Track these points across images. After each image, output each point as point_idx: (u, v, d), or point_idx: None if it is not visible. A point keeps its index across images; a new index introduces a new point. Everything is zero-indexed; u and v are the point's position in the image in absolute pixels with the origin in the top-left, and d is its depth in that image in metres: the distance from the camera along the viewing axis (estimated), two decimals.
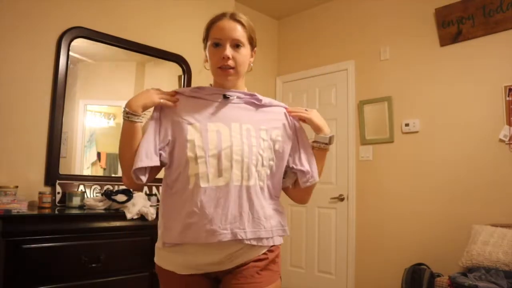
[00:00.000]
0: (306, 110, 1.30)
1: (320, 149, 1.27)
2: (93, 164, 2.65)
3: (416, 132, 3.17)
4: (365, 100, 3.50)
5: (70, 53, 2.46)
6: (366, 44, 3.54)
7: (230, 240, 1.11)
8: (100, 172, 2.67)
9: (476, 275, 2.28)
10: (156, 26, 2.93)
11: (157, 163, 1.15)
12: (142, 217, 2.13)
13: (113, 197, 2.18)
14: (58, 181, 2.33)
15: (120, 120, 2.77)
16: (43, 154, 2.33)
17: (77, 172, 2.52)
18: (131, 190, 2.32)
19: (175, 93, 1.22)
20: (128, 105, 1.16)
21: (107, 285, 1.98)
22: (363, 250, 3.40)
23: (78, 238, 1.92)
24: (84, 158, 2.59)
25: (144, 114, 1.18)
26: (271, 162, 1.20)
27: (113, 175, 2.68)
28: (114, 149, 2.75)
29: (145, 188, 2.69)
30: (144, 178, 1.15)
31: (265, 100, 1.25)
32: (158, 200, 2.68)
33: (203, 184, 1.10)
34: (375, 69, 3.47)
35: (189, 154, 1.12)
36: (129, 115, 1.14)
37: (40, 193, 2.16)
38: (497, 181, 2.71)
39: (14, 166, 2.22)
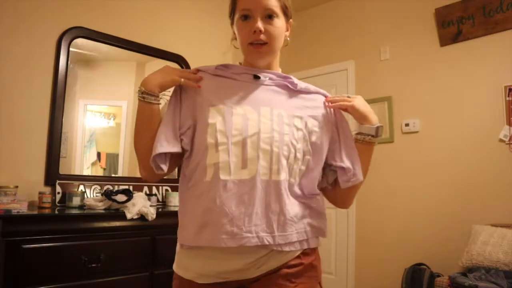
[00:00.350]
0: (348, 97, 1.11)
1: (365, 142, 1.08)
2: (93, 164, 2.65)
3: (416, 132, 3.16)
4: (365, 100, 3.50)
5: (71, 49, 2.46)
6: (366, 44, 3.54)
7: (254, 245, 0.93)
8: (100, 172, 2.67)
9: (476, 275, 2.28)
10: (156, 26, 2.93)
11: (179, 149, 1.00)
12: (142, 217, 2.13)
13: (113, 197, 2.17)
14: (58, 181, 2.33)
15: (120, 120, 2.79)
16: (43, 154, 2.33)
17: (77, 172, 2.52)
18: (131, 190, 2.33)
19: (197, 71, 1.07)
20: (144, 83, 1.00)
21: (107, 285, 1.98)
22: (363, 250, 3.40)
23: (78, 238, 1.92)
24: (84, 158, 2.59)
25: (163, 94, 1.04)
26: (307, 157, 1.01)
27: (113, 175, 2.68)
28: (114, 149, 2.75)
29: (145, 188, 2.69)
30: (165, 167, 1.00)
31: (302, 84, 1.08)
32: (158, 200, 2.68)
33: (223, 176, 0.92)
34: (375, 69, 3.47)
35: (209, 140, 0.95)
36: (145, 95, 0.99)
37: (40, 193, 2.16)
38: (497, 181, 2.71)
39: (14, 166, 2.22)
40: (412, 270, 2.71)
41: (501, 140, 2.73)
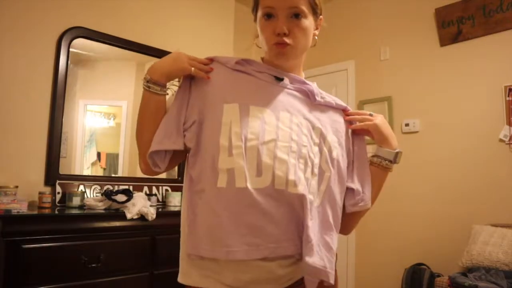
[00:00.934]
0: (371, 114, 1.02)
1: (381, 167, 1.01)
2: (93, 164, 2.65)
3: (416, 132, 3.17)
4: (365, 100, 3.50)
5: (71, 49, 2.46)
6: (366, 44, 3.54)
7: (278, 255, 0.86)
8: (100, 172, 2.67)
9: (476, 275, 2.28)
10: (156, 26, 2.93)
11: (180, 147, 0.91)
12: (142, 217, 2.13)
13: (113, 197, 2.17)
14: (58, 181, 2.33)
15: (120, 120, 2.79)
16: (43, 154, 2.33)
17: (77, 172, 2.52)
18: (131, 190, 2.32)
19: (210, 60, 0.96)
20: (150, 71, 0.92)
21: (107, 285, 1.98)
22: (363, 250, 3.40)
23: (78, 238, 1.92)
24: (84, 158, 2.59)
25: (171, 83, 0.95)
26: (327, 174, 0.91)
27: (113, 175, 2.68)
28: (114, 149, 2.75)
29: (145, 188, 2.69)
30: (162, 165, 0.92)
31: (322, 99, 0.99)
32: (158, 200, 2.68)
33: (239, 184, 0.83)
34: (375, 69, 3.47)
35: (222, 141, 0.85)
36: (150, 84, 0.91)
37: (40, 193, 2.16)
38: (497, 181, 2.71)
39: (14, 166, 2.22)
40: (412, 270, 2.72)
41: (501, 140, 2.73)
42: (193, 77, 0.95)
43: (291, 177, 0.85)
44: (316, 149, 0.91)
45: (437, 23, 3.08)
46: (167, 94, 0.94)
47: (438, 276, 2.60)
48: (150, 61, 2.90)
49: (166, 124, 0.91)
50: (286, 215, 0.86)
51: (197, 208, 0.88)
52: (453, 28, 2.99)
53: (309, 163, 0.89)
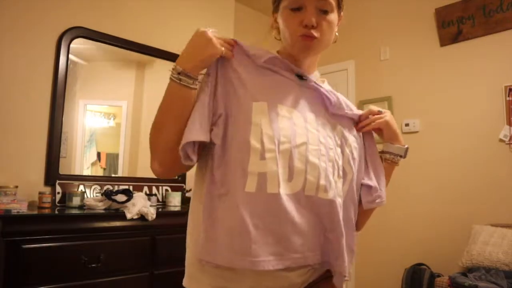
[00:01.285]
0: (380, 111, 1.01)
1: (391, 162, 1.02)
2: (93, 164, 2.65)
3: (416, 132, 3.17)
4: (365, 100, 3.50)
5: (71, 49, 2.46)
6: (366, 44, 3.54)
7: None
8: (100, 172, 2.67)
9: (476, 275, 2.28)
10: (156, 26, 2.93)
11: (208, 139, 0.82)
12: (142, 217, 2.13)
13: (113, 197, 2.17)
14: (58, 181, 2.33)
15: (120, 120, 2.79)
16: (43, 154, 2.33)
17: (77, 172, 2.52)
18: (131, 190, 2.32)
19: (234, 42, 0.89)
20: (181, 61, 0.82)
21: (107, 285, 1.98)
22: (364, 249, 3.40)
23: (78, 238, 1.92)
24: (84, 158, 2.59)
25: (202, 74, 0.86)
26: (350, 176, 0.91)
27: (113, 175, 2.68)
28: (114, 149, 2.75)
29: (145, 188, 2.69)
30: (194, 157, 0.81)
31: (337, 94, 0.97)
32: (158, 200, 2.68)
33: (271, 190, 0.78)
34: (375, 69, 3.47)
35: (253, 142, 0.78)
36: (182, 76, 0.81)
37: (40, 193, 2.16)
38: (497, 181, 2.71)
39: (14, 166, 2.22)
40: (412, 270, 2.72)
41: (501, 140, 2.73)
42: (219, 62, 0.87)
43: (322, 181, 0.83)
44: (339, 150, 0.90)
45: (437, 23, 3.08)
46: (196, 88, 0.84)
47: (438, 276, 2.60)
48: (150, 61, 2.90)
49: (200, 112, 0.82)
50: (312, 224, 0.83)
51: (217, 213, 0.80)
52: (453, 28, 2.99)
53: (336, 166, 0.87)
